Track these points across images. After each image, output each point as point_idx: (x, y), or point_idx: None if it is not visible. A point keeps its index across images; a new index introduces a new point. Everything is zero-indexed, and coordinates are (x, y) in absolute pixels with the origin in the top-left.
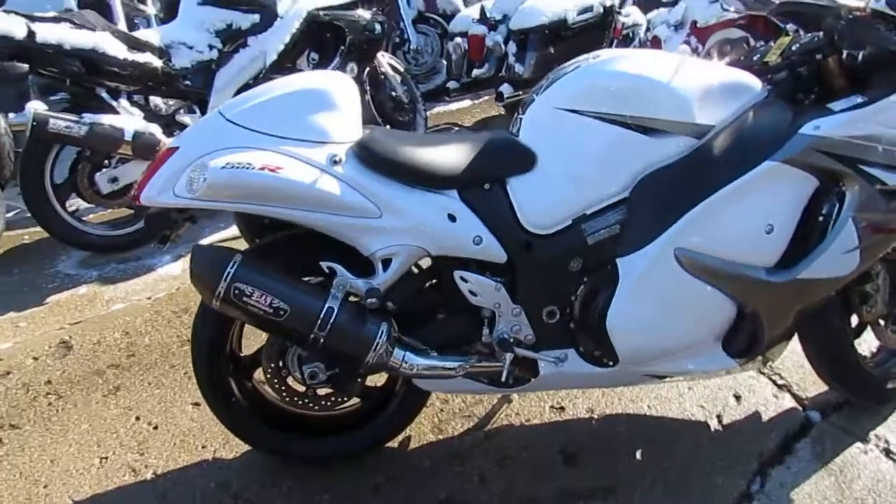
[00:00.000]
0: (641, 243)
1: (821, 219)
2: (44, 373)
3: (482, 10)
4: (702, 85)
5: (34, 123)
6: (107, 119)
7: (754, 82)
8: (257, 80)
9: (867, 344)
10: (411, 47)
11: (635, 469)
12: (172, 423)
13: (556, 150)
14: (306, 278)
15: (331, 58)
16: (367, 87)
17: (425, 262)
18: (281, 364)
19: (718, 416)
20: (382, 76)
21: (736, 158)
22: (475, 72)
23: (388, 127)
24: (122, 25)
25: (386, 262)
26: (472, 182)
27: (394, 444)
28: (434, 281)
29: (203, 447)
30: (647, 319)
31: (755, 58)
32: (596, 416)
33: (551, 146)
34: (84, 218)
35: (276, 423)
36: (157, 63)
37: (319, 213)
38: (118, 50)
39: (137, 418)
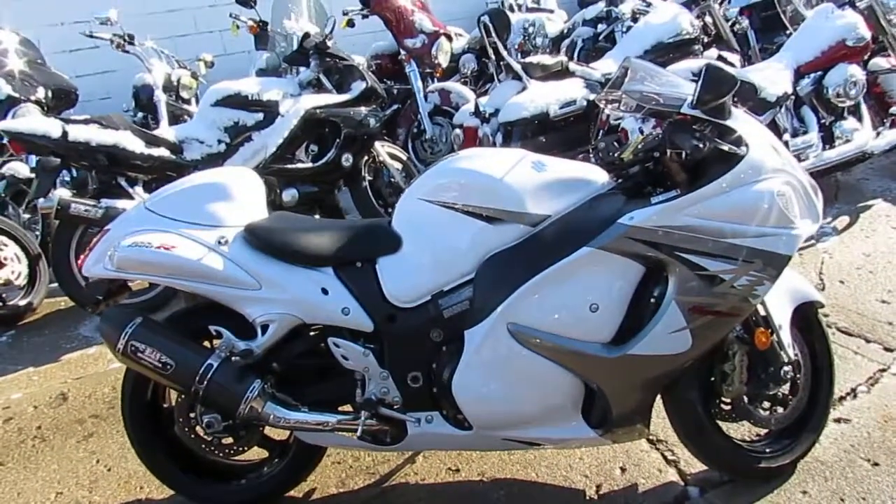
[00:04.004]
0: (481, 318)
1: (652, 300)
2: (38, 419)
3: (476, 105)
4: (540, 179)
5: (58, 207)
6: (122, 203)
7: (599, 176)
8: (258, 169)
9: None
10: (427, 137)
11: None
12: (124, 466)
13: (418, 235)
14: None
15: (328, 149)
16: (365, 175)
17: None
18: (192, 415)
19: (598, 486)
20: (381, 164)
21: (561, 244)
22: None
23: (385, 210)
24: (164, 123)
25: (265, 328)
26: (345, 261)
27: (298, 493)
28: (317, 346)
29: (141, 488)
30: (486, 388)
31: (615, 154)
32: (485, 479)
33: (414, 231)
34: None
35: (193, 468)
36: (171, 156)
37: (208, 285)
38: (136, 146)
39: (97, 461)
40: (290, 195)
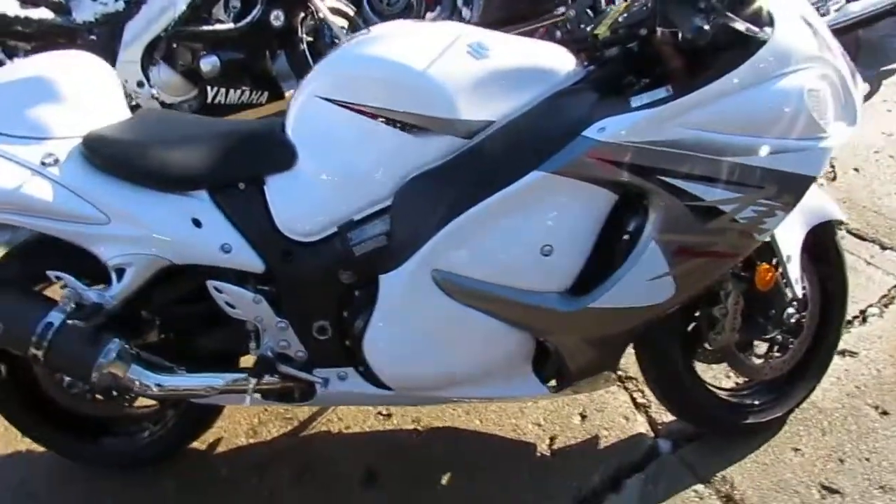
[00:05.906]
0: (399, 260)
1: (626, 237)
2: None
3: None
4: (480, 69)
5: None
6: None
7: (562, 63)
8: (167, 32)
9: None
10: None
11: (436, 499)
12: None
13: (317, 146)
14: None
15: (253, 4)
16: (302, 35)
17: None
18: None
19: (552, 439)
20: (320, 22)
21: (504, 165)
22: (428, 15)
23: None
24: None
25: (120, 273)
26: (223, 181)
27: (202, 444)
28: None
29: (20, 437)
30: (404, 348)
31: (589, 28)
32: (420, 428)
33: (312, 141)
34: None
35: (65, 422)
36: (55, 18)
37: (34, 219)
38: (8, 6)
39: None
40: (209, 64)
